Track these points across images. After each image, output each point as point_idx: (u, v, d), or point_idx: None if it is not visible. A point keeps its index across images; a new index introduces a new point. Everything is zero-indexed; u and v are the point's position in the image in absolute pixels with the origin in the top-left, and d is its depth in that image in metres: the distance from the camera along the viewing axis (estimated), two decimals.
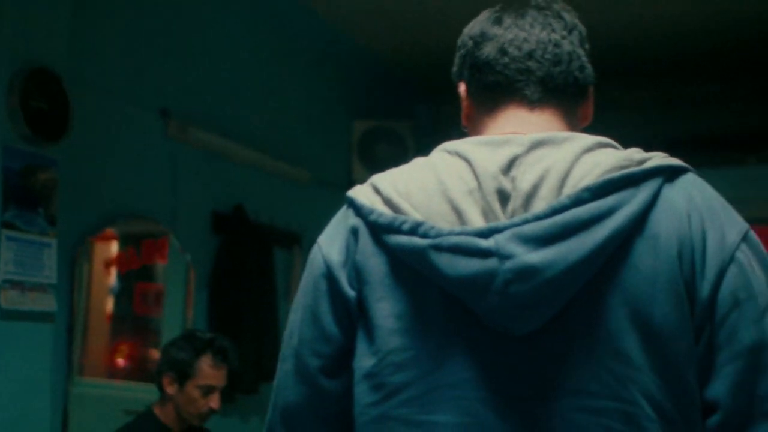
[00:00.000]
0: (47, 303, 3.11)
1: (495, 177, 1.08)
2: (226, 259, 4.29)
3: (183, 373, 2.90)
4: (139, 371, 4.16)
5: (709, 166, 5.49)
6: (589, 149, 1.11)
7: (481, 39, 1.23)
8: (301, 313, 1.20)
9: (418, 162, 1.20)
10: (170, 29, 4.01)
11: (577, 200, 1.04)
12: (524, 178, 1.08)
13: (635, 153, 1.13)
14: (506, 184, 1.08)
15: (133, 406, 3.14)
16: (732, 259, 1.08)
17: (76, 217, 3.41)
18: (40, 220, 3.08)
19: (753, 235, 1.13)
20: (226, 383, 2.98)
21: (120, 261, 4.03)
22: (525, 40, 1.19)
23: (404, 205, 1.11)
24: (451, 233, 1.06)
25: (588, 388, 1.03)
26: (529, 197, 1.06)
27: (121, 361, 4.22)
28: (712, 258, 1.07)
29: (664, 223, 1.07)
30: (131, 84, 3.76)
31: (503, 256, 1.03)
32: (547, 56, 1.19)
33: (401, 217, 1.10)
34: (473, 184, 1.09)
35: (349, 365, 1.15)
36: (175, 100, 4.00)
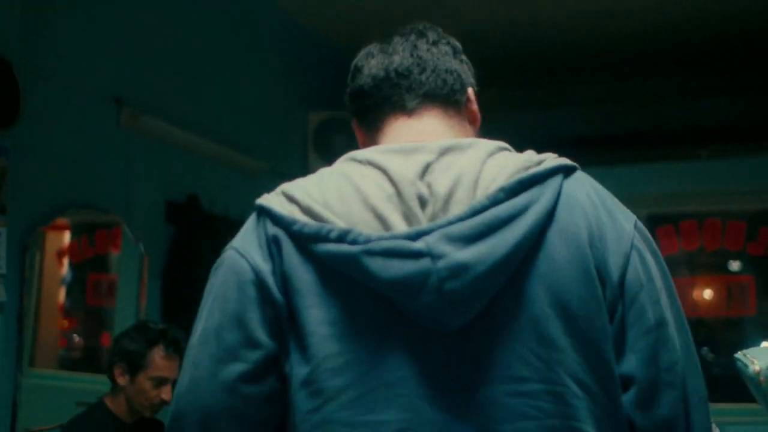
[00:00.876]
0: None
1: (413, 183, 1.15)
2: (180, 250, 4.27)
3: (134, 365, 2.88)
4: (92, 362, 4.13)
5: (660, 161, 5.60)
6: (491, 153, 1.20)
7: (356, 73, 1.38)
8: (219, 319, 1.20)
9: (327, 171, 1.26)
10: (124, 17, 3.97)
11: (495, 200, 1.13)
12: (439, 182, 1.15)
13: (533, 155, 1.23)
14: (424, 190, 1.15)
15: (85, 397, 3.11)
16: (632, 246, 1.21)
17: (27, 206, 3.37)
18: None
19: (640, 224, 1.26)
20: (178, 374, 2.96)
21: (72, 251, 3.99)
22: (390, 62, 1.33)
23: (326, 214, 1.15)
24: (380, 238, 1.11)
25: (518, 374, 1.11)
26: (447, 201, 1.14)
27: (72, 352, 4.18)
28: (616, 246, 1.19)
29: (572, 217, 1.17)
30: (84, 72, 3.71)
31: (435, 256, 1.09)
32: (413, 68, 1.31)
33: (327, 226, 1.14)
34: (391, 190, 1.15)
35: (272, 372, 1.17)
36: (128, 88, 3.96)
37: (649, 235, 1.26)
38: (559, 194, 1.18)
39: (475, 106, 1.37)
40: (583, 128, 6.05)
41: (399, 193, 1.15)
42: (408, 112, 1.31)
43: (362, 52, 1.39)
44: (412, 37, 1.35)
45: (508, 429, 1.10)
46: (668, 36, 5.58)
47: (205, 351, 1.20)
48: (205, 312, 1.23)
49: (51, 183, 3.53)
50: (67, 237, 3.96)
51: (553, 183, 1.18)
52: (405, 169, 1.17)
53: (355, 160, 1.24)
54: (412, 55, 1.32)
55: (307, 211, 1.18)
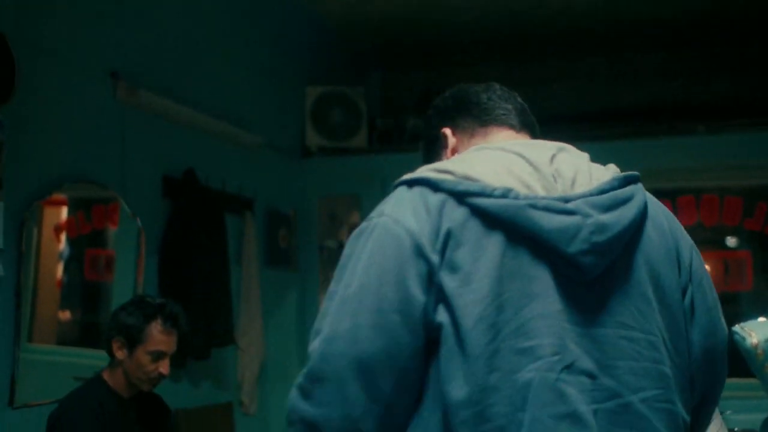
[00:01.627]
0: None
1: (548, 164, 1.45)
2: (177, 225, 4.26)
3: (132, 339, 2.88)
4: (90, 337, 4.13)
5: (658, 135, 5.59)
6: (591, 160, 1.54)
7: (471, 96, 1.72)
8: (378, 276, 1.36)
9: (463, 155, 1.54)
10: None
11: (613, 186, 1.45)
12: (564, 168, 1.45)
13: (616, 167, 1.56)
14: (554, 171, 1.45)
15: (83, 372, 3.12)
16: (692, 242, 1.58)
17: (24, 180, 3.36)
18: None
19: (696, 251, 1.59)
20: (176, 349, 2.97)
21: (70, 226, 3.98)
22: (497, 96, 1.71)
23: (482, 179, 1.40)
24: (539, 197, 1.39)
25: (626, 322, 1.41)
26: (572, 183, 1.44)
27: (70, 327, 4.18)
28: (684, 240, 1.55)
29: (656, 211, 1.52)
30: (80, 45, 3.70)
31: (585, 215, 1.39)
32: (512, 103, 1.71)
33: (490, 185, 1.39)
34: (530, 168, 1.43)
35: (424, 323, 1.35)
36: (124, 62, 3.94)
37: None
38: (645, 196, 1.50)
39: None
40: (580, 104, 6.04)
41: (537, 170, 1.43)
42: (516, 129, 1.67)
43: (466, 88, 1.75)
44: (497, 87, 1.74)
45: (618, 364, 1.38)
46: (667, 11, 5.55)
47: (365, 303, 1.36)
48: (360, 270, 1.38)
49: (47, 157, 3.51)
50: (64, 212, 3.95)
51: (641, 186, 1.51)
52: (538, 156, 1.46)
53: (487, 149, 1.51)
54: (507, 96, 1.73)
55: (464, 177, 1.41)
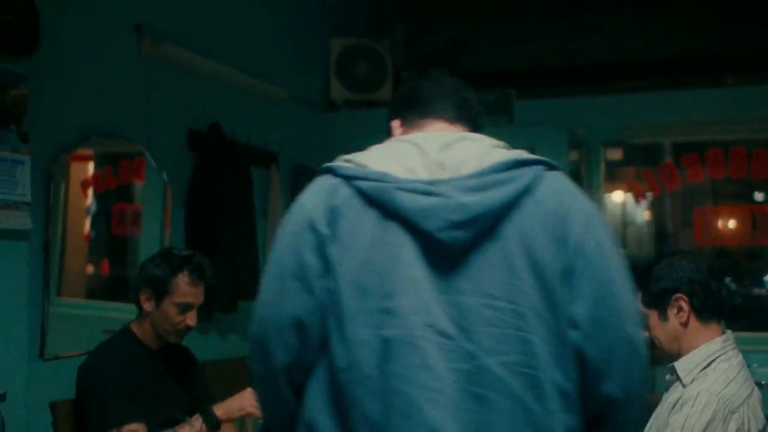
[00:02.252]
0: (22, 221, 3.09)
1: (437, 152, 1.60)
2: (203, 178, 4.27)
3: (160, 291, 2.89)
4: (118, 291, 4.17)
5: (686, 87, 5.51)
6: (496, 146, 1.66)
7: (412, 89, 1.88)
8: (280, 249, 1.61)
9: (376, 146, 1.69)
10: None
11: (494, 170, 1.57)
12: (456, 155, 1.60)
13: (524, 152, 1.65)
14: (443, 158, 1.60)
15: (112, 325, 3.14)
16: (595, 222, 1.62)
17: (50, 134, 3.37)
18: (12, 138, 3.04)
19: (597, 225, 1.62)
20: (202, 301, 2.98)
21: (96, 181, 4.00)
22: (438, 89, 1.84)
23: (372, 165, 1.60)
24: (408, 180, 1.55)
25: (491, 292, 1.52)
26: (459, 167, 1.58)
27: (99, 281, 4.22)
28: (579, 220, 1.59)
29: (547, 194, 1.59)
30: None
31: (447, 197, 1.53)
32: (450, 98, 1.83)
33: (370, 169, 1.58)
34: (418, 156, 1.60)
35: (319, 287, 1.56)
36: (148, 16, 3.93)
37: (603, 218, 1.67)
38: (540, 177, 1.60)
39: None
40: (607, 55, 5.96)
41: (425, 157, 1.60)
42: (450, 121, 1.79)
43: (414, 80, 1.91)
44: (446, 83, 1.86)
45: (478, 329, 1.50)
46: None
47: (272, 272, 1.61)
48: (273, 248, 1.63)
49: (72, 112, 3.52)
50: (90, 167, 3.97)
51: (536, 169, 1.60)
52: (431, 145, 1.62)
53: (395, 140, 1.71)
54: (450, 91, 1.84)
55: (360, 165, 1.61)
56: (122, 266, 4.31)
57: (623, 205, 6.76)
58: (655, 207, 6.81)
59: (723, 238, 5.95)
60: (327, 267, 1.54)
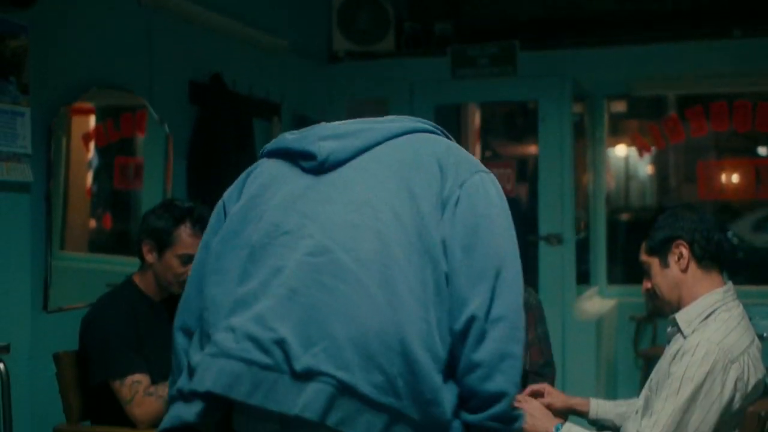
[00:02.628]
0: (23, 173, 3.09)
1: (339, 126, 1.84)
2: (205, 130, 4.26)
3: (162, 242, 2.89)
4: (121, 245, 4.17)
5: (691, 39, 5.46)
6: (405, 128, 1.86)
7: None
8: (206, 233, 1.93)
9: None
10: None
11: (375, 121, 1.83)
12: (353, 127, 1.83)
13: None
14: (336, 129, 1.82)
15: (115, 279, 3.15)
16: (477, 171, 1.76)
17: (50, 86, 3.35)
18: (12, 89, 3.02)
19: (482, 177, 1.77)
20: None
21: (98, 135, 3.99)
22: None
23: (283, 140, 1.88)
24: (299, 136, 1.83)
25: (358, 202, 1.68)
26: (355, 134, 1.81)
27: (102, 235, 4.23)
28: (460, 168, 1.75)
29: (425, 145, 1.79)
30: None
31: (324, 127, 1.82)
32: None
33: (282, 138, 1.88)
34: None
35: None
36: None
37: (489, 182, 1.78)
38: (418, 131, 1.84)
39: None
40: (611, 6, 5.89)
41: (305, 132, 1.84)
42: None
43: None
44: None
45: (339, 230, 1.66)
46: None
47: (198, 260, 1.88)
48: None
49: (73, 63, 3.50)
50: (92, 121, 3.96)
51: (403, 123, 1.84)
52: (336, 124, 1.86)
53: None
54: None
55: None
56: (125, 220, 4.31)
57: (626, 159, 6.74)
58: (659, 161, 6.80)
59: (726, 192, 5.94)
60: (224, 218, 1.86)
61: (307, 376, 1.55)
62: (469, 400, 1.64)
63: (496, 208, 1.74)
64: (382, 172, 1.73)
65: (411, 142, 1.80)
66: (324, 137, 1.77)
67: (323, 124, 1.85)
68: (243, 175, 1.90)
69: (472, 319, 1.61)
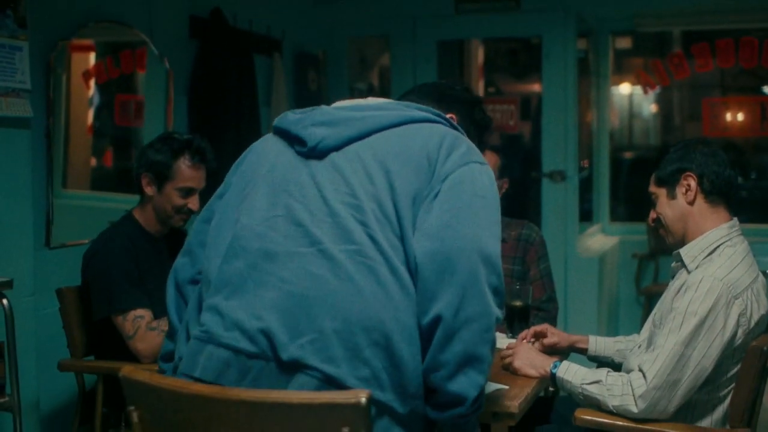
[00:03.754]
0: (22, 108, 3.06)
1: (339, 109, 1.85)
2: (206, 66, 4.22)
3: (161, 175, 2.87)
4: (123, 183, 4.16)
5: None
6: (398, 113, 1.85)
7: None
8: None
9: None
10: None
11: (371, 107, 1.84)
12: (344, 111, 1.83)
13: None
14: (337, 108, 1.85)
15: (117, 216, 3.13)
16: (459, 168, 1.74)
17: (48, 20, 3.31)
18: (9, 23, 2.98)
19: (471, 168, 1.76)
20: (204, 185, 2.97)
21: (98, 72, 3.95)
22: None
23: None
24: (298, 116, 1.85)
25: (346, 191, 1.70)
26: (346, 121, 1.82)
27: (103, 173, 4.21)
28: (445, 165, 1.73)
29: (415, 138, 1.77)
30: None
31: (320, 111, 1.83)
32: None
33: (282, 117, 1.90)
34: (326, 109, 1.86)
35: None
36: None
37: (476, 176, 1.76)
38: (413, 121, 1.81)
39: None
40: None
41: (311, 111, 1.84)
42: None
43: None
44: None
45: (327, 220, 1.67)
46: None
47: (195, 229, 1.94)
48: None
49: None
50: (92, 58, 3.92)
51: (401, 112, 1.82)
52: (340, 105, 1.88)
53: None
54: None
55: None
56: (126, 158, 4.30)
57: (630, 97, 6.70)
58: (663, 99, 6.76)
59: (731, 130, 5.91)
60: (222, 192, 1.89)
61: (294, 367, 1.59)
62: (432, 394, 1.68)
63: (481, 200, 1.73)
64: (369, 163, 1.73)
65: (404, 134, 1.78)
66: (317, 123, 1.78)
67: (323, 107, 1.85)
68: (247, 150, 1.92)
69: (438, 320, 1.62)
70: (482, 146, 2.04)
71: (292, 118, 1.83)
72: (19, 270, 3.01)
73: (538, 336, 2.62)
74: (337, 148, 1.76)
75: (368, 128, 1.78)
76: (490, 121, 2.22)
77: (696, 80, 6.06)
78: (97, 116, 4.08)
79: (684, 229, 2.37)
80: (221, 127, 4.20)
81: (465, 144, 1.81)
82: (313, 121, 1.78)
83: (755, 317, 2.24)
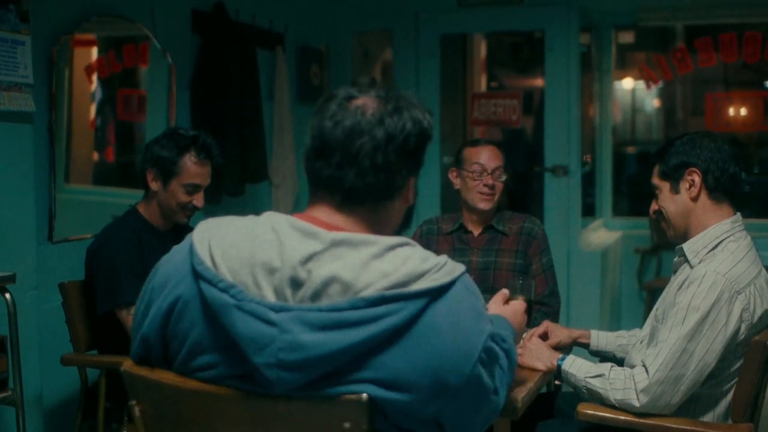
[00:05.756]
0: (25, 102, 3.06)
1: (294, 267, 1.40)
2: (208, 60, 4.21)
3: (167, 171, 2.88)
4: (126, 177, 4.16)
5: None
6: (378, 255, 1.41)
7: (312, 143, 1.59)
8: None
9: (247, 223, 1.54)
10: None
11: (352, 305, 1.36)
12: (318, 273, 1.39)
13: (418, 266, 1.41)
14: (302, 275, 1.39)
15: (120, 211, 3.14)
16: (478, 358, 1.44)
17: (50, 14, 3.31)
18: (12, 17, 2.98)
19: (490, 340, 1.48)
20: (210, 181, 2.97)
21: (101, 66, 3.95)
22: None
23: (222, 269, 1.44)
24: (252, 300, 1.39)
25: None
26: (318, 292, 1.38)
27: (106, 168, 4.21)
28: (465, 354, 1.42)
29: (425, 336, 1.39)
30: None
31: (283, 330, 1.36)
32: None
33: (219, 277, 1.43)
34: (278, 264, 1.41)
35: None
36: None
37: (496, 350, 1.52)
38: (421, 313, 1.39)
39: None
40: None
41: (281, 271, 1.40)
42: (337, 206, 1.53)
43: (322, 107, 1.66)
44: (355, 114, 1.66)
45: None
46: None
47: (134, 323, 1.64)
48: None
49: None
50: (94, 52, 3.92)
51: (417, 305, 1.38)
52: (295, 252, 1.41)
53: (270, 219, 1.50)
54: (354, 137, 1.56)
55: (213, 259, 1.46)
56: (129, 152, 4.30)
57: (633, 91, 6.68)
58: (666, 94, 6.74)
59: (734, 125, 5.89)
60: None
61: None
62: None
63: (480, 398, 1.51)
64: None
65: (416, 339, 1.41)
66: (287, 364, 1.38)
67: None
68: (177, 262, 1.55)
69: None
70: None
71: (244, 326, 1.39)
72: (22, 264, 3.01)
73: (540, 338, 2.62)
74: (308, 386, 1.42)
75: (351, 350, 1.38)
76: None
77: (699, 75, 6.04)
78: (99, 111, 4.08)
79: (686, 224, 2.36)
80: (224, 122, 4.20)
81: (471, 313, 1.48)
82: (276, 360, 1.37)
83: (758, 312, 2.24)
